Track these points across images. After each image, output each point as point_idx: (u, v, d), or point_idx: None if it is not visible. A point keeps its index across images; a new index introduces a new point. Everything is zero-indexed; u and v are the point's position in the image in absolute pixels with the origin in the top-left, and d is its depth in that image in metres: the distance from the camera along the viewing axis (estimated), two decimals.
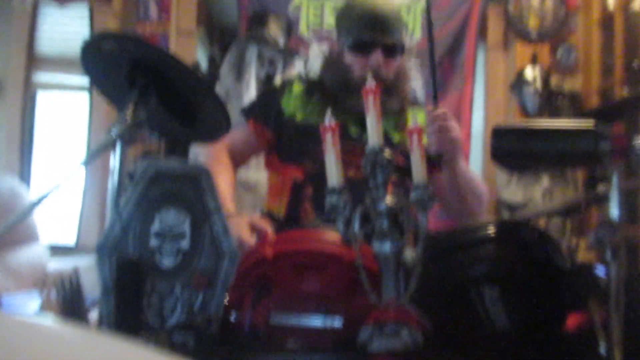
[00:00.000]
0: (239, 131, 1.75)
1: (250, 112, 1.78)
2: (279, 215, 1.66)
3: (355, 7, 1.67)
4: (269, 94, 1.87)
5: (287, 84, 1.79)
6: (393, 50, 1.64)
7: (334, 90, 1.67)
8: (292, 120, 1.69)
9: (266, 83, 3.06)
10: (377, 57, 1.60)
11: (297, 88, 1.74)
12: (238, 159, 1.83)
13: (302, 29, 3.70)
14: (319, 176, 1.57)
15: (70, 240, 3.63)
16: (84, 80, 3.62)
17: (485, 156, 3.70)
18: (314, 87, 1.72)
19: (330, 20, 3.70)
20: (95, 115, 3.68)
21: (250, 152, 1.82)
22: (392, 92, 1.66)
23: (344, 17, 1.70)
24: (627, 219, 0.94)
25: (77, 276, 1.14)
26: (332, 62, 1.72)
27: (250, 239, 1.37)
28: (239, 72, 3.10)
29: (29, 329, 0.53)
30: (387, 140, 1.66)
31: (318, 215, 1.58)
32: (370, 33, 1.61)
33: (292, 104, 1.71)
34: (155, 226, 1.05)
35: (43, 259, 3.11)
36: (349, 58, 1.65)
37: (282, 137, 1.71)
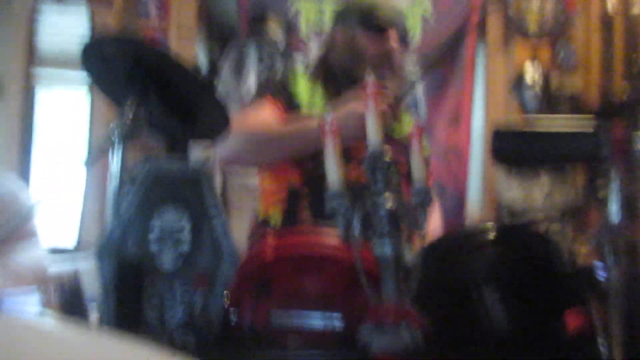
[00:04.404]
0: (257, 111, 1.63)
1: (263, 90, 1.71)
2: (275, 223, 1.63)
3: None
4: (276, 79, 1.82)
5: (290, 73, 1.77)
6: (403, 36, 1.72)
7: (348, 69, 1.66)
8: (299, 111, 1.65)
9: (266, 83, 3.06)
10: (394, 36, 1.67)
11: (301, 76, 1.73)
12: None
13: (302, 29, 3.70)
14: (318, 180, 1.55)
15: (70, 241, 3.63)
16: (84, 79, 3.61)
17: (486, 156, 3.70)
18: (316, 75, 1.72)
19: (330, 23, 3.70)
20: (95, 115, 3.67)
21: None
22: (397, 78, 1.70)
23: (352, 6, 1.74)
24: (627, 220, 0.94)
25: (77, 277, 1.14)
26: (343, 45, 1.71)
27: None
28: (239, 72, 3.10)
29: (29, 329, 0.53)
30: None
31: (316, 223, 1.55)
32: (387, 14, 1.69)
33: (300, 91, 1.68)
34: (156, 227, 1.05)
35: (43, 259, 3.11)
36: (363, 39, 1.68)
37: None
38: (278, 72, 1.80)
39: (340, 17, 1.77)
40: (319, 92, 1.68)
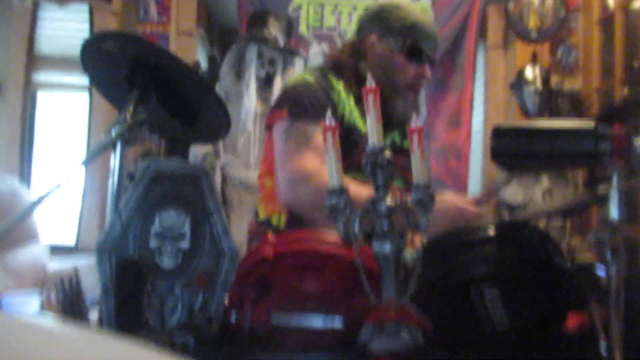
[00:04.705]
0: (316, 143, 1.49)
1: (316, 115, 1.51)
2: (279, 224, 1.59)
3: (412, 14, 1.67)
4: (315, 89, 1.61)
5: (323, 76, 1.64)
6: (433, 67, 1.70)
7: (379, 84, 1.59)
8: (342, 120, 1.56)
9: (266, 83, 3.05)
10: (429, 69, 1.66)
11: (337, 83, 1.63)
12: None
13: (302, 29, 3.70)
14: None
15: (70, 240, 3.63)
16: (84, 80, 3.63)
17: (485, 156, 3.71)
18: (350, 85, 1.63)
19: (329, 20, 3.71)
20: (95, 115, 3.68)
21: None
22: (415, 104, 1.71)
23: (393, 21, 1.66)
24: (627, 219, 0.94)
25: (77, 276, 1.14)
26: (378, 59, 1.66)
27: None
28: (239, 72, 3.10)
29: (29, 329, 0.53)
30: (395, 145, 1.67)
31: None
32: (433, 47, 1.66)
33: (340, 101, 1.60)
34: (155, 226, 1.05)
35: (43, 259, 3.11)
36: (402, 63, 1.65)
37: None
38: (319, 89, 1.60)
39: (375, 26, 1.68)
40: (354, 103, 1.60)
